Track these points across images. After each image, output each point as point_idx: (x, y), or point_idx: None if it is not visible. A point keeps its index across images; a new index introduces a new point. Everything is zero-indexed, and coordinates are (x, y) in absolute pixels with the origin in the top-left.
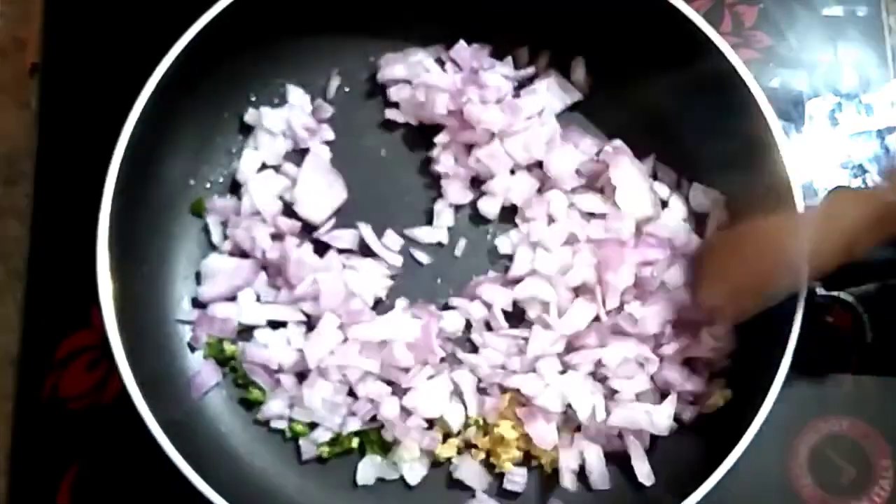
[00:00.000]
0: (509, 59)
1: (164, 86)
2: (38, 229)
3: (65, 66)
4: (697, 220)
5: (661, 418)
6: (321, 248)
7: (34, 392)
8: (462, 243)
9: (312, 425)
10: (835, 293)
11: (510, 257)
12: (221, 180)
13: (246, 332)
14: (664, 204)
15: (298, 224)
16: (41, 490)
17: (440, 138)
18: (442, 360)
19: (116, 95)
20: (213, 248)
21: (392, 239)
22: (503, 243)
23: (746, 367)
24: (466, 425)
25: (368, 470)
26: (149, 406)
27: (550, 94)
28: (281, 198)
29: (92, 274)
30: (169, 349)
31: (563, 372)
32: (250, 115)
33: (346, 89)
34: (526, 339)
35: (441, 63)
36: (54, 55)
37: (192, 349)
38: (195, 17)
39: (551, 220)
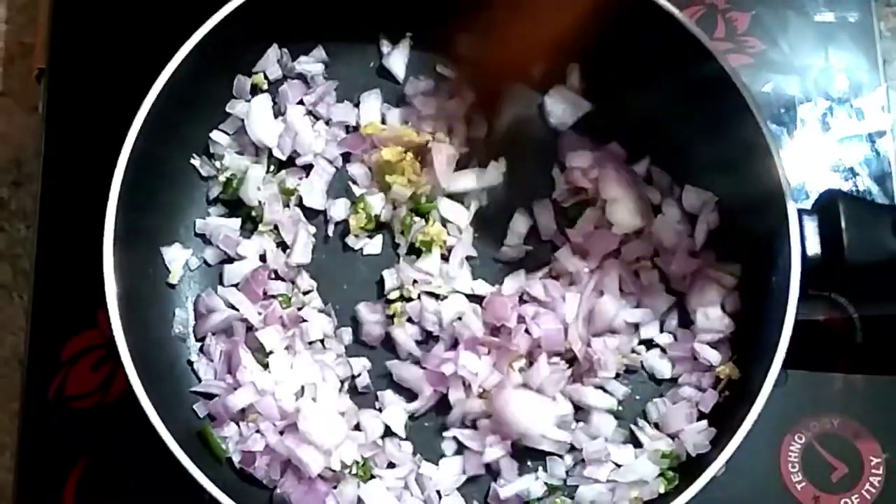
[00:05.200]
0: None
1: (168, 89)
2: (45, 231)
3: (71, 71)
4: (690, 221)
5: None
6: None
7: (41, 391)
8: None
9: None
10: (826, 294)
11: None
12: None
13: None
14: (658, 209)
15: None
16: (48, 487)
17: None
18: None
19: (122, 99)
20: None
21: None
22: None
23: (740, 365)
24: None
25: None
26: (153, 405)
27: (560, 107)
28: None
29: (98, 275)
30: (173, 349)
31: None
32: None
33: None
34: None
35: None
36: (60, 60)
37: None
38: (200, 22)
39: None
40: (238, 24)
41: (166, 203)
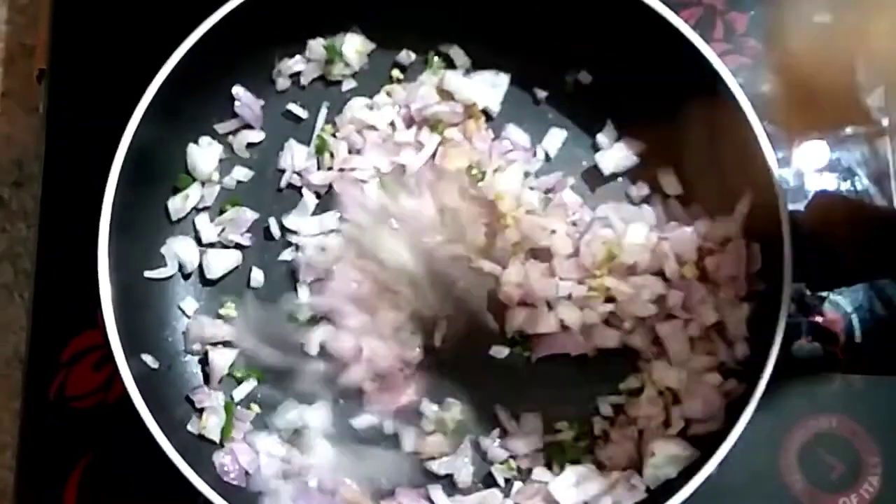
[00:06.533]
0: None
1: (167, 89)
2: (45, 231)
3: (71, 72)
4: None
5: None
6: None
7: (41, 391)
8: None
9: None
10: (824, 294)
11: None
12: None
13: None
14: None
15: None
16: (49, 487)
17: None
18: None
19: (122, 100)
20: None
21: None
22: None
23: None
24: None
25: None
26: (148, 407)
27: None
28: None
29: (97, 275)
30: (171, 350)
31: None
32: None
33: None
34: None
35: None
36: (61, 61)
37: (193, 353)
38: (198, 23)
39: None
40: (238, 25)
41: (166, 203)
